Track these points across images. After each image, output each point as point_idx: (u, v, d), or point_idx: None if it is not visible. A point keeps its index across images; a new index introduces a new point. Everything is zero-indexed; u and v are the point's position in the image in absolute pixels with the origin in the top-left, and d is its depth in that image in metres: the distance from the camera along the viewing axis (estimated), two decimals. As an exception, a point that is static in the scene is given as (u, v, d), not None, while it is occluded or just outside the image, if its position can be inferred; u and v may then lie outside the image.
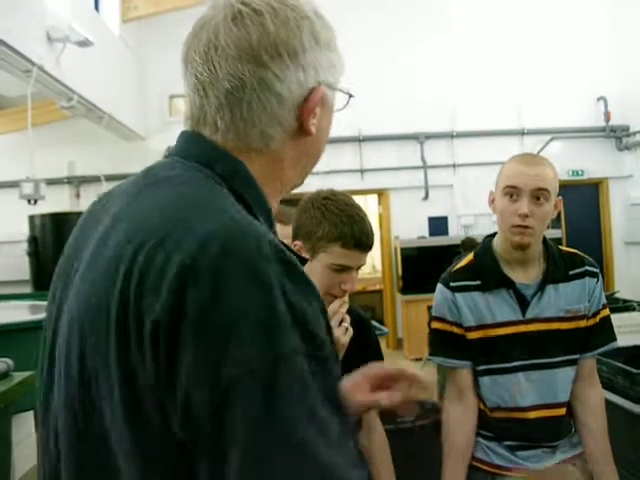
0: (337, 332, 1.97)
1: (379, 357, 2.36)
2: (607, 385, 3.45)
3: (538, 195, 2.34)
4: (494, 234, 2.57)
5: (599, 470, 2.42)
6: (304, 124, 1.11)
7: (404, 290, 10.53)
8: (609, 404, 2.61)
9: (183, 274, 0.86)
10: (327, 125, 1.20)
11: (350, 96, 1.25)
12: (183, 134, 1.13)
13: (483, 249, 2.56)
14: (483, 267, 2.51)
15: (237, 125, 1.08)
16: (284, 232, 2.72)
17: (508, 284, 2.44)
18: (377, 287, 12.41)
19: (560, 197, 2.46)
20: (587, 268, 2.49)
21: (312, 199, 2.11)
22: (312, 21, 1.11)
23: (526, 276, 2.46)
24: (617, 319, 3.64)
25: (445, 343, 2.53)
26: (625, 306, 5.82)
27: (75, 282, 1.02)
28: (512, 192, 2.36)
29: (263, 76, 1.06)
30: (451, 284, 2.52)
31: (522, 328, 2.43)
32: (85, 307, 0.96)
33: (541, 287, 2.44)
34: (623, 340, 2.74)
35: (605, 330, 2.51)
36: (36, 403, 1.11)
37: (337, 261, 2.03)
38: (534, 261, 2.47)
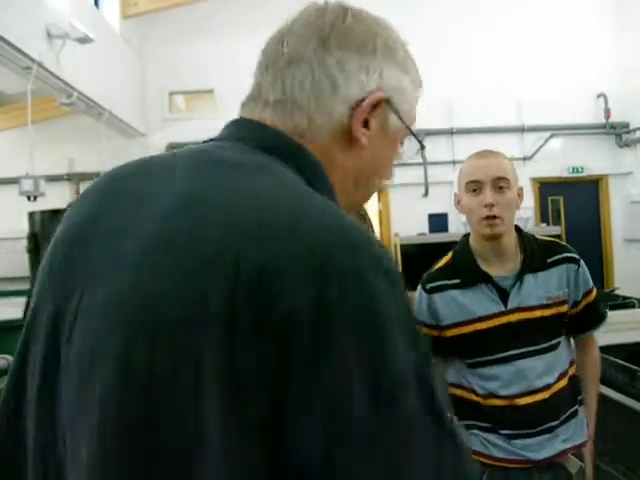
0: None
1: None
2: (607, 381, 3.46)
3: (499, 184, 2.45)
4: (470, 233, 2.66)
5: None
6: (354, 126, 1.04)
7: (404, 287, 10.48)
8: (609, 401, 2.63)
9: (322, 273, 0.77)
10: (384, 150, 1.12)
11: (422, 147, 1.25)
12: (235, 121, 1.08)
13: (460, 247, 2.64)
14: (461, 265, 2.60)
15: (285, 103, 1.03)
16: None
17: (486, 279, 2.51)
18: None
19: (522, 186, 2.56)
20: (566, 254, 2.55)
21: None
22: (392, 37, 1.11)
23: (503, 269, 2.53)
24: (617, 316, 3.66)
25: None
26: (625, 303, 5.82)
27: (123, 265, 0.85)
28: (474, 186, 2.47)
29: (325, 59, 1.03)
30: (428, 286, 2.61)
31: (505, 319, 2.49)
32: (159, 300, 0.80)
33: (519, 277, 2.50)
34: (623, 337, 2.77)
35: (594, 311, 2.63)
36: None
37: None
38: (510, 253, 2.54)
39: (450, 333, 2.56)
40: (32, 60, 5.84)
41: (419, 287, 2.65)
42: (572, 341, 2.64)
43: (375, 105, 1.05)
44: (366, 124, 1.05)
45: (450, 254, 2.67)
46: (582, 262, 2.58)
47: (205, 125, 10.14)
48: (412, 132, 1.18)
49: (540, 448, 2.45)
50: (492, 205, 2.43)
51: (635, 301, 5.98)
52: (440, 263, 2.67)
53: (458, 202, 2.58)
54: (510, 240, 2.53)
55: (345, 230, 0.82)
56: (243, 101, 1.10)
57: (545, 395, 2.47)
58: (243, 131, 1.04)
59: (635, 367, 3.76)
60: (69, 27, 6.40)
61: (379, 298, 0.78)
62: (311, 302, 0.75)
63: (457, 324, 2.54)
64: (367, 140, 1.06)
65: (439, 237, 10.38)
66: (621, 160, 11.31)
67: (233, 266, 0.77)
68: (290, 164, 0.97)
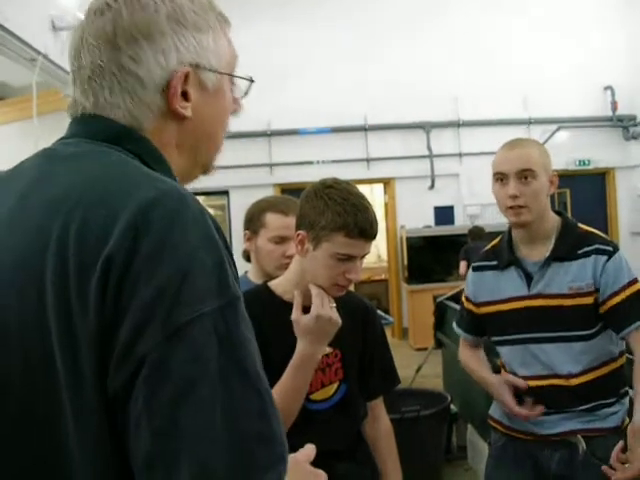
0: (331, 315, 2.01)
1: (384, 345, 2.39)
2: None
3: (524, 175, 2.49)
4: None
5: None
6: (171, 106, 1.10)
7: (410, 280, 10.52)
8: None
9: (135, 225, 0.90)
10: (215, 109, 1.18)
11: (251, 81, 1.27)
12: (73, 120, 1.15)
13: (506, 232, 2.73)
14: (501, 248, 2.69)
15: (103, 108, 1.09)
16: (284, 222, 2.73)
17: (516, 262, 2.60)
18: (382, 277, 12.43)
19: (556, 173, 2.59)
20: (597, 246, 2.52)
21: (315, 188, 2.10)
22: (175, 5, 1.12)
23: (534, 253, 2.58)
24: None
25: (461, 317, 2.87)
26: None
27: None
28: (501, 177, 2.53)
29: (120, 60, 1.08)
30: (474, 265, 2.80)
31: (527, 303, 2.56)
32: (10, 269, 0.98)
33: (546, 264, 2.53)
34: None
35: (630, 307, 2.49)
36: None
37: (341, 250, 2.01)
38: (543, 238, 2.58)
39: (482, 311, 2.70)
40: (37, 52, 5.83)
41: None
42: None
43: (185, 78, 1.10)
44: (185, 95, 1.11)
45: (498, 238, 2.78)
46: (617, 255, 2.52)
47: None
48: (234, 75, 1.23)
49: (555, 426, 2.51)
50: (516, 196, 2.48)
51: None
52: (489, 245, 2.82)
53: (492, 189, 2.65)
54: (543, 227, 2.56)
55: (158, 193, 0.94)
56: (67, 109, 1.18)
57: (563, 382, 2.49)
58: (82, 127, 1.12)
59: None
60: (74, 19, 6.39)
61: (186, 247, 0.91)
62: (124, 250, 0.89)
63: (485, 303, 2.68)
64: (193, 109, 1.12)
65: (445, 229, 10.42)
66: (628, 153, 11.32)
67: (61, 233, 0.93)
68: (125, 149, 1.06)
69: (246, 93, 1.28)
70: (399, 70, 10.48)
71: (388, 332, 10.78)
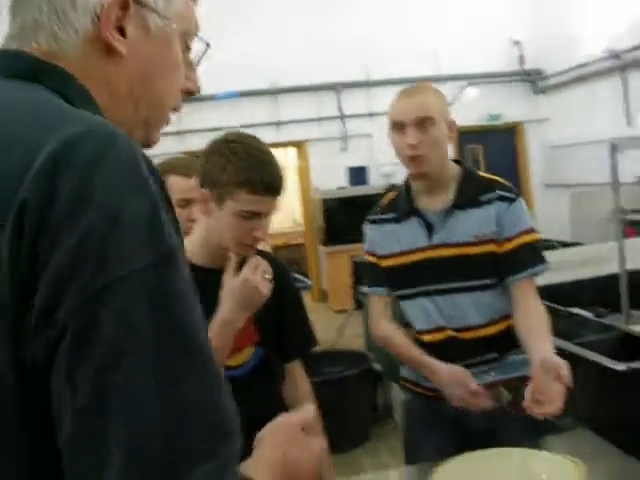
0: (259, 283, 1.92)
1: (299, 305, 2.35)
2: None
3: (422, 123, 2.40)
4: None
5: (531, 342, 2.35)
6: (102, 33, 0.96)
7: (327, 242, 10.51)
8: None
9: (54, 163, 0.78)
10: (157, 57, 1.05)
11: (207, 45, 1.19)
12: None
13: (403, 183, 2.65)
14: (399, 199, 2.61)
15: (28, 28, 0.97)
16: (187, 185, 2.63)
17: (417, 212, 2.52)
18: (299, 241, 12.39)
19: (453, 120, 2.51)
20: (500, 193, 2.49)
21: (217, 143, 2.01)
22: None
23: (435, 203, 2.52)
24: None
25: (368, 273, 2.71)
26: (547, 246, 5.92)
27: None
28: (398, 126, 2.45)
29: None
30: (370, 218, 2.67)
31: (430, 254, 2.49)
32: None
33: (448, 212, 2.48)
34: (547, 278, 2.75)
35: (530, 254, 2.49)
36: None
37: (246, 208, 1.94)
38: (443, 187, 2.52)
39: (385, 263, 2.58)
40: None
41: (365, 222, 2.72)
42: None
43: (123, 8, 0.97)
44: (122, 32, 0.99)
45: (395, 191, 2.70)
46: (519, 201, 2.49)
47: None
48: (193, 35, 1.14)
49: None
50: (415, 146, 2.40)
51: (556, 243, 6.09)
52: (386, 198, 2.71)
53: (389, 137, 2.57)
54: (443, 175, 2.50)
55: (85, 128, 0.83)
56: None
57: (473, 334, 2.47)
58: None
59: (558, 307, 3.81)
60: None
61: (113, 192, 0.79)
62: (39, 192, 0.77)
63: (387, 256, 2.58)
64: (127, 48, 0.99)
65: (360, 190, 10.42)
66: (537, 107, 11.47)
67: None
68: (47, 86, 0.94)
69: (198, 61, 1.18)
70: (309, 31, 10.34)
71: (307, 296, 10.74)
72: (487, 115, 11.17)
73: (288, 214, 12.97)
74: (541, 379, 2.13)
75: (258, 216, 1.97)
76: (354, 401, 5.21)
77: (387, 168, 10.59)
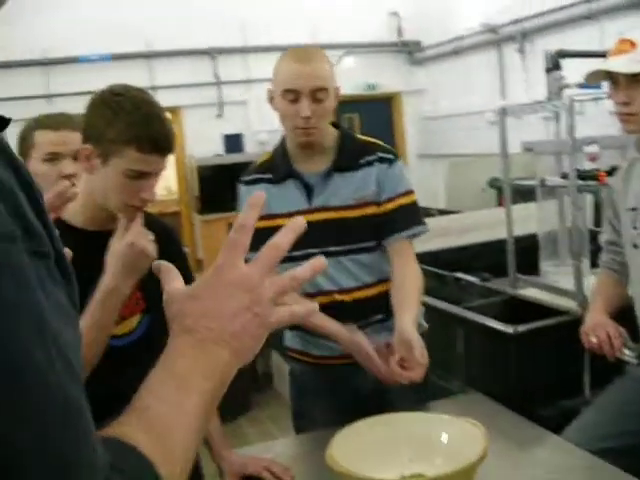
0: (145, 247, 1.80)
1: (188, 268, 2.29)
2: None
3: (317, 95, 2.35)
4: None
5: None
6: None
7: (202, 210, 10.35)
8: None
9: None
10: None
11: None
12: None
13: (277, 146, 2.59)
14: (275, 162, 2.55)
15: None
16: (55, 138, 2.48)
17: (294, 175, 2.48)
18: (174, 209, 12.16)
19: (338, 86, 2.47)
20: (379, 155, 2.49)
21: (102, 96, 1.88)
22: None
23: (314, 165, 2.48)
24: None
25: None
26: (425, 213, 6.01)
27: None
28: (291, 96, 2.36)
29: None
30: (245, 178, 2.58)
31: (309, 217, 2.38)
32: None
33: (327, 175, 2.45)
34: (429, 245, 2.76)
35: (411, 214, 2.51)
36: None
37: (133, 167, 1.82)
38: (324, 152, 2.48)
39: (260, 224, 2.48)
40: None
41: (239, 183, 2.61)
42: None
43: None
44: None
45: (269, 153, 2.63)
46: (398, 163, 2.51)
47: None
48: None
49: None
50: (309, 118, 2.34)
51: (434, 211, 6.19)
52: (259, 160, 2.65)
53: (272, 100, 2.47)
54: (323, 139, 2.46)
55: None
56: None
57: (357, 294, 2.46)
58: None
59: (442, 271, 3.85)
60: None
61: None
62: None
63: (265, 217, 2.45)
64: None
65: (236, 157, 10.30)
66: (414, 78, 11.60)
67: None
68: None
69: None
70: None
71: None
72: (364, 84, 11.20)
73: (163, 182, 12.72)
74: (400, 351, 2.19)
75: (146, 176, 1.86)
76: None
77: (262, 136, 10.49)
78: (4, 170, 0.66)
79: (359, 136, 2.59)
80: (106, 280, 1.79)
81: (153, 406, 0.82)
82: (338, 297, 2.46)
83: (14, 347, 0.59)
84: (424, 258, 2.81)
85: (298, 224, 1.09)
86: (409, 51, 11.53)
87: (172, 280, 1.02)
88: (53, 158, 2.46)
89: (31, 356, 0.60)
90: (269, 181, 2.52)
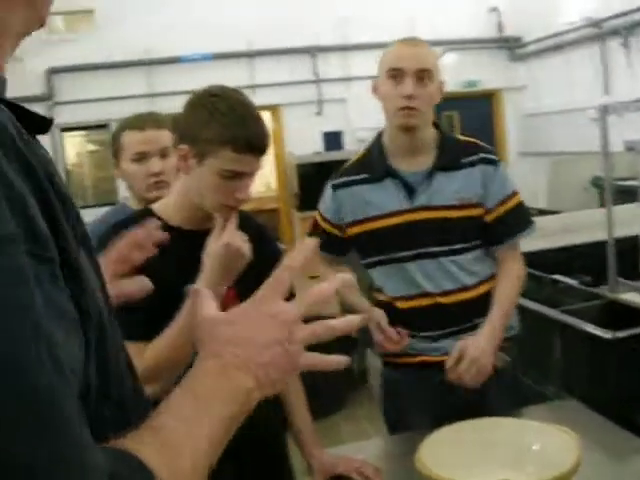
0: (241, 246, 1.82)
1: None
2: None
3: (422, 75, 2.34)
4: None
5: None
6: None
7: (301, 207, 10.40)
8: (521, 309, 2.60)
9: None
10: None
11: None
12: None
13: (373, 143, 2.55)
14: (371, 160, 2.50)
15: None
16: (141, 137, 2.55)
17: (393, 174, 2.43)
18: (273, 206, 12.28)
19: (443, 80, 2.47)
20: (483, 155, 2.46)
21: (199, 97, 1.92)
22: None
23: (415, 164, 2.44)
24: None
25: (322, 238, 2.47)
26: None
27: None
28: (395, 74, 2.35)
29: None
30: (334, 182, 2.53)
31: (410, 217, 2.41)
32: None
33: (430, 174, 2.41)
34: (526, 246, 2.73)
35: (518, 217, 2.50)
36: None
37: (228, 167, 1.84)
38: (424, 148, 2.44)
39: (354, 231, 2.49)
40: None
41: (327, 185, 2.57)
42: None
43: None
44: None
45: (363, 150, 2.59)
46: (501, 164, 2.48)
47: (86, 47, 9.58)
48: None
49: (456, 341, 2.40)
50: (411, 97, 2.32)
51: (535, 211, 6.07)
52: (352, 159, 2.60)
53: (375, 89, 2.47)
54: (425, 135, 2.44)
55: None
56: None
57: (460, 296, 2.43)
58: None
59: (540, 273, 3.77)
60: None
61: None
62: None
63: (361, 220, 2.48)
64: None
65: (335, 155, 10.28)
66: (515, 74, 11.35)
67: None
68: None
69: None
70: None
71: (282, 262, 10.76)
72: (463, 82, 11.05)
73: (262, 179, 12.86)
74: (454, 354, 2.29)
75: (241, 176, 1.88)
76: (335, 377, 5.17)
77: (362, 133, 10.46)
78: (17, 174, 0.67)
79: (458, 136, 2.56)
80: (203, 279, 1.82)
81: (169, 425, 0.81)
82: (440, 300, 2.44)
83: (3, 345, 0.59)
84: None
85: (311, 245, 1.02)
86: (509, 47, 11.29)
87: (207, 306, 1.03)
88: (141, 157, 2.55)
89: (21, 355, 0.60)
90: (364, 181, 2.48)
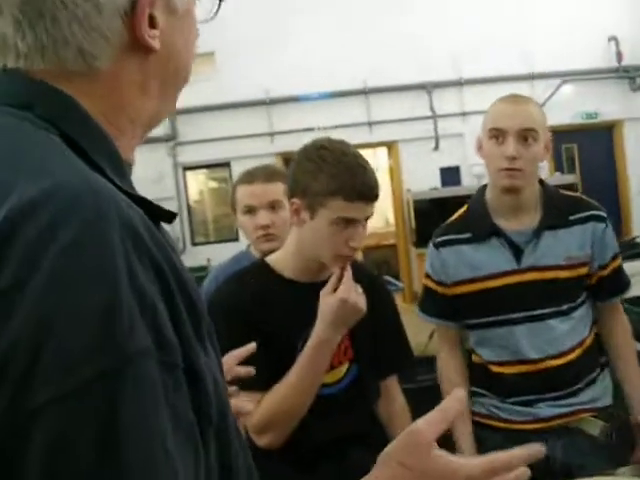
0: (358, 302, 1.85)
1: (395, 318, 2.26)
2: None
3: (525, 135, 2.24)
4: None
5: (631, 390, 2.39)
6: (138, 35, 0.81)
7: (418, 243, 10.37)
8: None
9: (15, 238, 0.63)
10: (183, 37, 0.90)
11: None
12: None
13: (475, 200, 2.47)
14: (473, 218, 2.43)
15: (45, 45, 0.78)
16: (248, 191, 2.63)
17: (498, 233, 2.34)
18: (391, 241, 12.30)
19: (550, 136, 2.37)
20: (593, 212, 2.37)
21: (306, 150, 1.95)
22: None
23: (520, 223, 2.34)
24: (639, 266, 3.50)
25: (429, 301, 2.50)
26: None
27: None
28: (498, 134, 2.27)
29: None
30: (437, 240, 2.45)
31: (518, 278, 2.32)
32: None
33: (537, 234, 2.32)
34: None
35: (622, 277, 2.45)
36: None
37: (340, 215, 1.86)
38: (529, 207, 2.35)
39: (458, 291, 2.41)
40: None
41: (430, 242, 2.50)
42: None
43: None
44: (152, 21, 0.84)
45: (464, 207, 2.52)
46: (609, 222, 2.41)
47: (207, 88, 9.86)
48: None
49: (551, 407, 2.33)
50: (514, 158, 2.23)
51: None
52: (453, 216, 2.52)
53: (480, 147, 2.40)
54: (530, 194, 2.34)
55: (41, 193, 0.66)
56: None
57: (562, 360, 2.33)
58: None
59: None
60: None
61: (56, 284, 0.63)
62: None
63: (465, 281, 2.39)
64: (160, 39, 0.85)
65: (452, 191, 10.25)
66: (635, 104, 11.07)
67: None
68: (37, 115, 0.78)
69: (215, 12, 0.99)
70: (397, 31, 10.24)
71: (399, 298, 10.60)
72: (582, 113, 10.85)
73: (380, 215, 12.91)
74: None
75: (353, 223, 1.90)
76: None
77: (479, 169, 10.38)
78: (150, 281, 0.69)
79: (562, 191, 2.49)
80: (318, 332, 1.87)
81: None
82: (543, 364, 2.33)
83: (136, 470, 0.62)
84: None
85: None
86: (630, 77, 11.04)
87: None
88: (250, 210, 2.63)
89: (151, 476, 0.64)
90: (468, 240, 2.40)
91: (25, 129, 0.76)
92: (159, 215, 0.82)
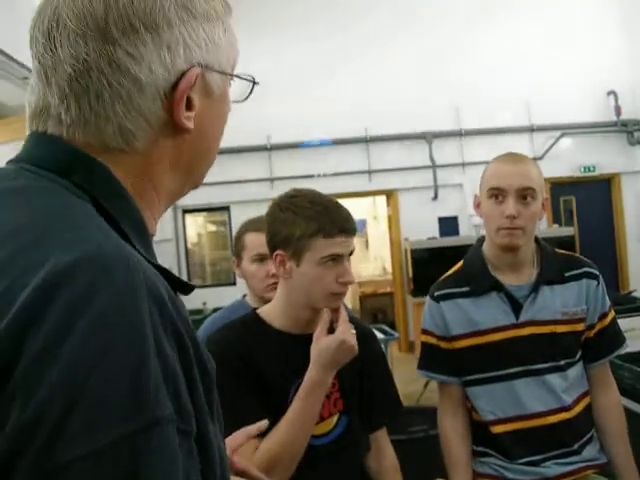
0: (352, 340, 1.90)
1: (385, 371, 2.28)
2: (631, 393, 3.29)
3: (524, 194, 2.28)
4: (484, 238, 2.50)
5: (621, 473, 2.35)
6: (175, 117, 0.87)
7: (415, 292, 10.37)
8: (635, 415, 2.49)
9: (33, 306, 0.67)
10: (216, 118, 0.96)
11: (254, 83, 1.03)
12: (31, 135, 0.89)
13: (472, 253, 2.50)
14: (472, 272, 2.45)
15: (87, 119, 0.84)
16: (261, 239, 2.64)
17: (498, 287, 2.36)
18: (388, 289, 12.29)
19: (547, 197, 2.41)
20: (586, 269, 2.41)
21: (279, 203, 2.01)
22: None
23: (518, 278, 2.38)
24: (635, 321, 3.50)
25: (431, 357, 2.48)
26: (642, 305, 5.68)
27: None
28: (497, 193, 2.30)
29: (113, 55, 0.83)
30: (436, 294, 2.46)
31: (516, 332, 2.34)
32: None
33: (535, 288, 2.35)
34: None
35: (614, 334, 2.45)
36: None
37: (325, 253, 1.91)
38: (526, 263, 2.39)
39: (457, 345, 2.41)
40: (29, 70, 5.75)
41: (427, 296, 2.50)
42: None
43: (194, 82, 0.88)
44: (188, 103, 0.89)
45: (460, 263, 2.54)
46: (602, 279, 2.43)
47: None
48: (241, 77, 1.02)
49: (557, 466, 2.31)
50: (514, 217, 2.26)
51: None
52: (451, 270, 2.54)
53: (478, 205, 2.43)
54: (528, 250, 2.38)
55: (75, 261, 0.70)
56: (31, 114, 0.90)
57: (563, 416, 2.33)
58: (35, 149, 0.88)
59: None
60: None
61: (89, 347, 0.66)
62: (7, 345, 0.66)
63: (465, 335, 2.39)
64: (194, 120, 0.90)
65: (450, 241, 10.26)
66: (633, 158, 11.14)
67: None
68: (73, 182, 0.83)
69: (247, 96, 1.07)
70: (398, 80, 10.35)
71: (394, 346, 10.61)
72: (580, 166, 10.90)
73: (378, 263, 12.93)
74: None
75: (339, 260, 1.94)
76: (440, 460, 5.05)
77: (478, 219, 10.39)
78: (171, 348, 0.73)
79: (557, 250, 2.50)
80: (312, 375, 1.89)
81: None
82: (542, 420, 2.33)
83: None
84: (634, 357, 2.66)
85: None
86: (628, 131, 11.08)
87: None
88: (262, 258, 2.64)
89: None
90: (467, 294, 2.41)
91: (64, 195, 0.80)
92: (178, 285, 0.86)
